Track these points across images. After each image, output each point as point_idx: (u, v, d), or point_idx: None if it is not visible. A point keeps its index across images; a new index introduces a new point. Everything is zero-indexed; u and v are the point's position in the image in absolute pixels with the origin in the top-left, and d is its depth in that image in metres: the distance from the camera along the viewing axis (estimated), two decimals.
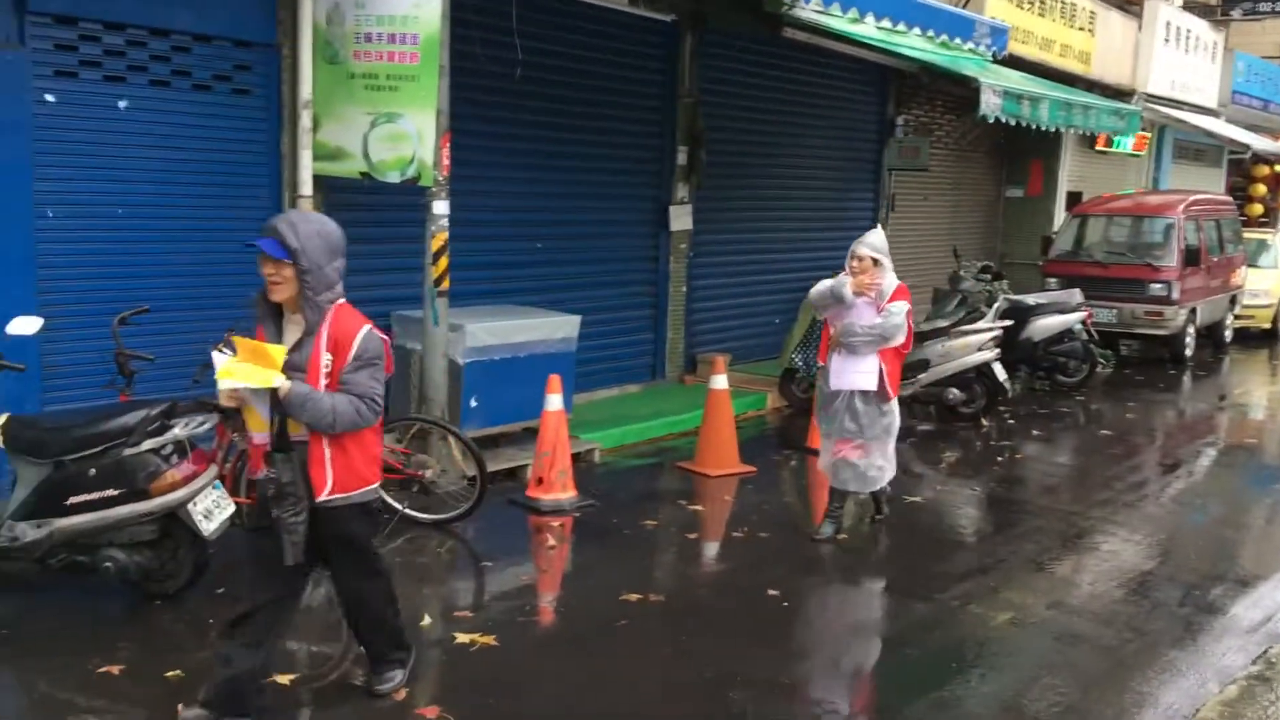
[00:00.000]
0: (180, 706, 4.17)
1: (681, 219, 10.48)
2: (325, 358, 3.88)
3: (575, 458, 7.44)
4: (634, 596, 5.66)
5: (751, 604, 5.72)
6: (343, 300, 4.01)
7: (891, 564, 6.55)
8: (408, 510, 6.56)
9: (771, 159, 11.87)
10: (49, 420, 5.36)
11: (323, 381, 3.87)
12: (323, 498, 3.95)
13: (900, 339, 6.44)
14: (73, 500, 5.02)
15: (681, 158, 10.39)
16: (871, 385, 6.45)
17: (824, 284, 6.54)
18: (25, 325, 5.45)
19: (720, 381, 8.16)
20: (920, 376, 10.03)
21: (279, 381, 3.80)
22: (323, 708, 4.46)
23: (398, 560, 6.11)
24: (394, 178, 7.02)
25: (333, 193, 7.49)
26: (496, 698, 4.56)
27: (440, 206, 7.00)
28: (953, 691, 4.81)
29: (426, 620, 5.28)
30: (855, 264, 6.40)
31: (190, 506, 5.13)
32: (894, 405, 6.60)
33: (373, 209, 7.80)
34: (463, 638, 5.05)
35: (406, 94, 6.88)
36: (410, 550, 6.29)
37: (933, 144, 14.15)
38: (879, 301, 6.39)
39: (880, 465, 6.66)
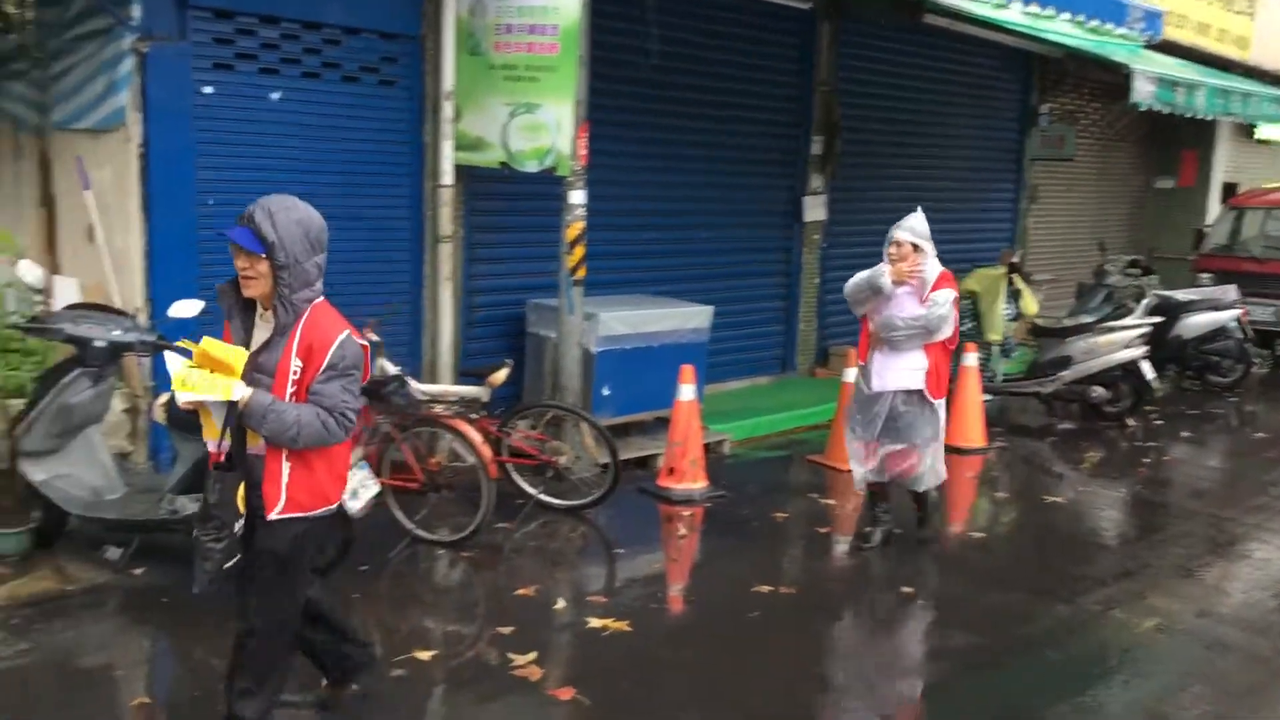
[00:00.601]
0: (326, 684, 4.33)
1: (815, 209, 10.37)
2: (295, 363, 3.45)
3: (705, 448, 7.44)
4: (765, 588, 5.64)
5: (885, 600, 5.64)
6: (321, 299, 3.58)
7: (1030, 564, 6.37)
8: (542, 496, 6.67)
9: (908, 148, 11.64)
10: None
11: (289, 390, 3.45)
12: (272, 515, 3.52)
13: (947, 331, 5.91)
14: None
15: (817, 147, 10.28)
16: (918, 384, 5.94)
17: (860, 275, 6.04)
18: (187, 308, 5.66)
19: (853, 374, 8.02)
20: (1063, 374, 9.73)
21: (239, 392, 3.39)
22: (459, 685, 4.57)
23: (531, 544, 6.22)
24: (532, 167, 7.12)
25: (472, 182, 7.64)
26: (629, 682, 4.60)
27: (577, 196, 7.07)
28: (1095, 697, 4.66)
29: (560, 604, 5.36)
30: (893, 250, 5.89)
31: None
32: (942, 406, 6.09)
33: (510, 198, 7.93)
34: (595, 622, 5.11)
35: (545, 84, 6.97)
36: (543, 535, 6.39)
37: (1078, 133, 13.67)
38: (921, 291, 5.87)
39: (930, 467, 6.19)
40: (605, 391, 7.61)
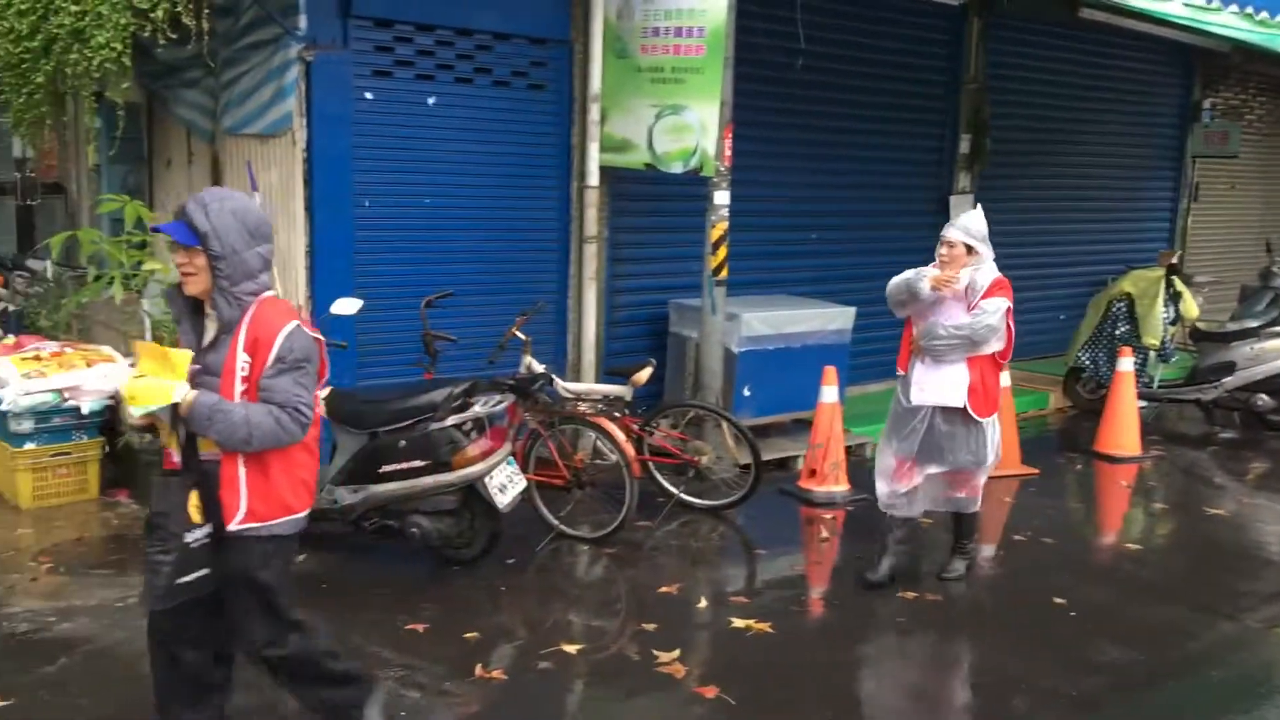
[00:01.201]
0: (479, 669, 4.46)
1: (963, 209, 10.12)
2: (242, 359, 3.27)
3: (847, 451, 7.38)
4: (909, 594, 5.57)
5: (1034, 610, 5.50)
6: (270, 293, 3.39)
7: (1190, 578, 6.12)
8: (682, 495, 6.72)
9: (1061, 146, 11.29)
10: (366, 394, 5.82)
11: (239, 388, 3.26)
12: (233, 525, 3.31)
13: (995, 344, 5.37)
14: (385, 469, 5.46)
15: (964, 146, 10.06)
16: (958, 400, 5.37)
17: (902, 275, 5.60)
18: (347, 306, 5.94)
19: (1003, 379, 7.84)
20: (1225, 380, 9.30)
21: (178, 394, 3.20)
22: (604, 679, 4.64)
23: (673, 543, 6.27)
24: (677, 169, 7.18)
25: (617, 183, 7.74)
26: (772, 683, 4.61)
27: (721, 197, 7.09)
28: (1261, 717, 4.46)
29: (702, 603, 5.40)
30: (944, 251, 5.42)
31: (487, 480, 5.46)
32: (988, 427, 5.51)
33: (654, 199, 8.00)
34: (738, 622, 5.13)
35: (691, 86, 7.02)
36: (684, 534, 6.43)
37: (1243, 129, 13.05)
38: (970, 298, 5.34)
39: (970, 494, 5.70)
40: (746, 392, 7.62)
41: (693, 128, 7.02)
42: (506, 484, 5.55)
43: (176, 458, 3.36)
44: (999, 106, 10.24)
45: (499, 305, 7.18)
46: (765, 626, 5.10)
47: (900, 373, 5.68)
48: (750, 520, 6.71)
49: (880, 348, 9.67)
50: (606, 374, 7.46)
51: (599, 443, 6.54)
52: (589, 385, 6.91)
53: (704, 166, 7.02)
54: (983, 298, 5.32)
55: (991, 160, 10.18)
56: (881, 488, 5.70)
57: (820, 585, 5.97)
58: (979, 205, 5.39)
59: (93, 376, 6.25)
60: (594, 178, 7.49)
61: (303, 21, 6.43)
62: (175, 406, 3.20)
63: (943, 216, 10.06)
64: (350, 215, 6.79)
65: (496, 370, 6.32)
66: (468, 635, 4.90)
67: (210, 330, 3.37)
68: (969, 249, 5.38)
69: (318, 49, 6.50)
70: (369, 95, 6.83)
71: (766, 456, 6.98)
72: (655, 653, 4.78)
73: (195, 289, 3.32)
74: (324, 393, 5.70)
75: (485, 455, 5.45)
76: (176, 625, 3.48)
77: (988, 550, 6.45)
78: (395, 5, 6.79)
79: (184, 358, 3.26)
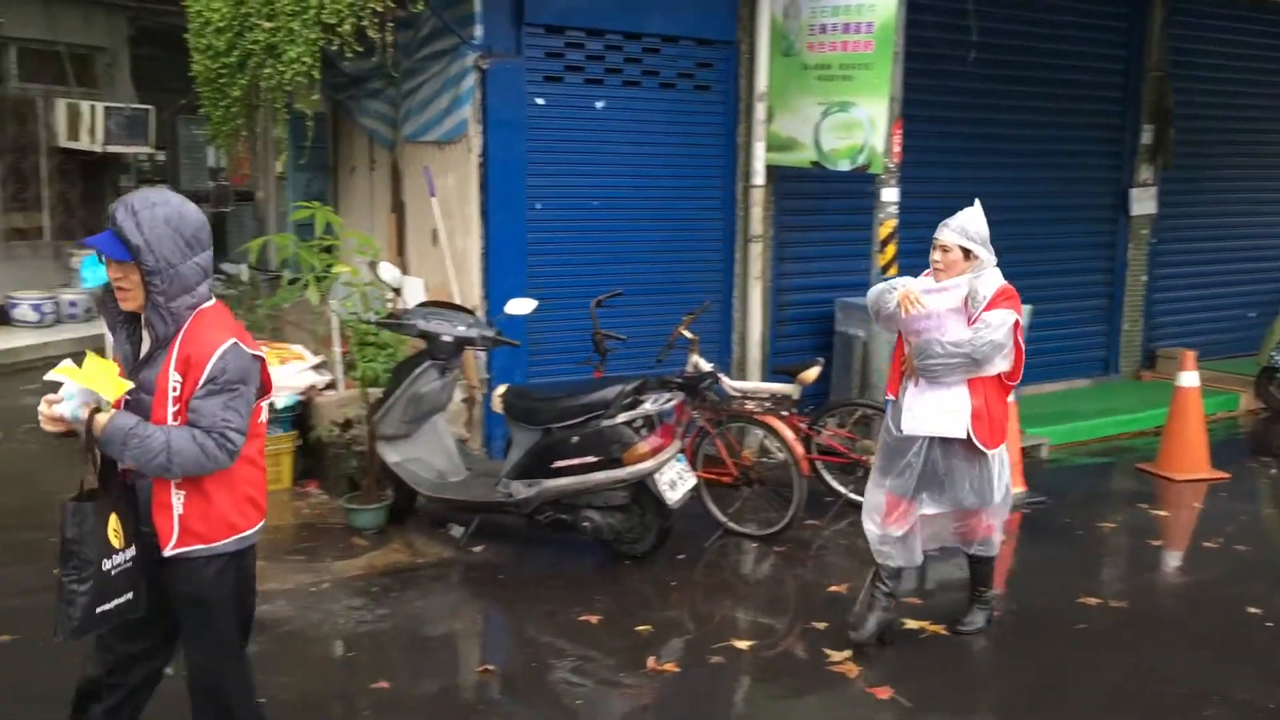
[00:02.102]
0: (652, 661, 4.53)
1: (1144, 202, 9.74)
2: (174, 379, 2.98)
3: (1022, 452, 7.17)
4: (1092, 600, 5.39)
5: (1227, 620, 5.25)
6: (211, 303, 3.09)
7: None
8: (851, 494, 6.65)
9: (1250, 135, 10.70)
10: (539, 391, 5.98)
11: (171, 409, 2.98)
12: (168, 551, 3.05)
13: (1000, 364, 4.55)
14: (558, 464, 5.59)
15: (1146, 137, 9.64)
16: (959, 430, 4.57)
17: (878, 285, 4.89)
18: (521, 306, 6.11)
19: (1190, 378, 7.52)
20: None
21: (73, 408, 2.92)
22: (775, 675, 4.65)
23: (841, 542, 6.22)
24: (844, 166, 7.12)
25: (783, 182, 7.73)
26: (948, 687, 4.53)
27: (890, 194, 7.00)
28: None
29: None
30: (937, 257, 4.62)
31: (657, 476, 5.53)
32: (995, 461, 4.68)
33: (819, 197, 7.96)
34: (912, 624, 5.06)
35: (859, 82, 6.95)
36: (853, 533, 6.34)
37: None
38: (971, 310, 4.53)
39: (985, 535, 4.90)
40: None
41: (861, 124, 6.95)
42: (676, 480, 5.61)
43: (92, 479, 3.01)
44: (1183, 94, 9.77)
45: (665, 304, 7.26)
46: (940, 629, 5.01)
47: (890, 397, 4.84)
48: None
49: (1056, 346, 9.43)
50: (773, 373, 7.46)
51: (766, 441, 6.53)
52: (756, 384, 6.92)
53: (872, 164, 6.94)
54: (985, 309, 4.50)
55: (1176, 151, 9.73)
56: (871, 529, 4.83)
57: (997, 588, 5.81)
58: (977, 201, 4.72)
59: (286, 374, 6.60)
60: (759, 177, 7.50)
61: (478, 31, 6.66)
62: (90, 426, 2.91)
63: (1122, 211, 9.71)
64: (523, 218, 6.98)
65: (664, 369, 6.40)
66: (640, 628, 4.97)
67: (146, 344, 3.06)
68: (967, 253, 4.58)
69: (492, 57, 6.71)
70: (540, 100, 7.00)
71: None
72: (826, 652, 4.76)
73: (131, 305, 3.02)
74: (501, 389, 5.94)
75: (656, 452, 5.53)
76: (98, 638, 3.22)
77: (1176, 558, 6.18)
78: (566, 12, 6.95)
79: (104, 369, 2.94)
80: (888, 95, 6.82)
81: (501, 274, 6.89)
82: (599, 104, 7.21)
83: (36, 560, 5.45)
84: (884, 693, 4.39)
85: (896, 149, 6.93)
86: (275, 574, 5.44)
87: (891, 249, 7.06)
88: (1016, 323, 4.53)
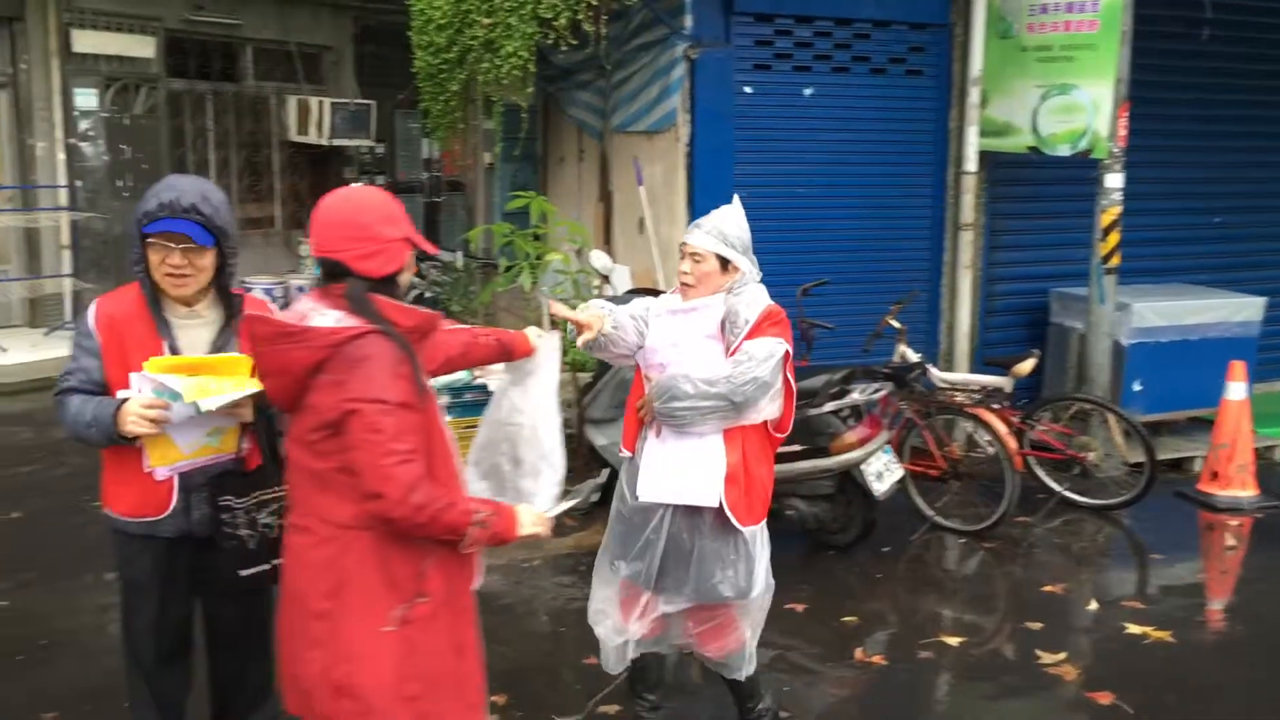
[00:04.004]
0: (859, 653, 4.50)
1: None
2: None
3: (1255, 453, 6.74)
4: None
5: None
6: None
7: None
8: (1066, 492, 6.42)
9: None
10: None
11: None
12: None
13: (767, 408, 3.48)
14: None
15: None
16: (708, 499, 3.47)
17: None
18: None
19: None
20: None
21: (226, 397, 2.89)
22: (986, 674, 4.54)
23: (1055, 541, 6.01)
24: (1064, 151, 6.85)
25: (996, 168, 7.49)
26: (1173, 695, 4.32)
27: (1113, 179, 6.69)
28: None
29: (1091, 605, 5.15)
30: (687, 268, 3.58)
31: (864, 466, 5.48)
32: (755, 541, 3.58)
33: (1035, 184, 7.68)
34: (1134, 629, 4.85)
35: (1083, 64, 6.66)
36: (1068, 532, 6.14)
37: None
38: (730, 337, 3.49)
39: (749, 641, 3.73)
40: (1136, 387, 7.14)
41: (1083, 107, 6.66)
42: (883, 471, 5.54)
43: (166, 473, 2.99)
44: None
45: (870, 293, 7.16)
46: (1165, 635, 4.79)
47: (626, 454, 3.68)
48: (1141, 522, 6.30)
49: None
50: (983, 364, 7.25)
51: (976, 434, 6.37)
52: (966, 375, 6.75)
53: (1095, 148, 6.64)
54: (747, 337, 3.47)
55: None
56: (606, 635, 3.71)
57: (1225, 596, 5.53)
58: (736, 198, 3.77)
59: None
60: (972, 163, 7.29)
61: (689, 21, 6.72)
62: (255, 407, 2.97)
63: None
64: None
65: (869, 359, 6.32)
66: (845, 619, 4.95)
67: (204, 331, 3.06)
68: (724, 263, 3.53)
69: (702, 47, 6.76)
70: (748, 89, 7.01)
71: (1161, 456, 6.52)
72: (1039, 653, 4.62)
73: (194, 288, 3.01)
74: None
75: (863, 442, 5.47)
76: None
77: None
78: (777, 0, 6.94)
79: (243, 360, 2.95)
80: (1113, 77, 6.51)
81: None
82: (807, 91, 7.16)
83: None
84: (1105, 698, 4.23)
85: (1122, 133, 6.62)
86: (490, 551, 5.64)
87: (1114, 238, 6.76)
88: (787, 354, 3.49)
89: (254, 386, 2.86)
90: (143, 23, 11.35)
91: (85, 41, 10.80)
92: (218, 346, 3.04)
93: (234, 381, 2.92)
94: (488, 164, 10.88)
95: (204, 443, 3.00)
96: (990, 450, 6.11)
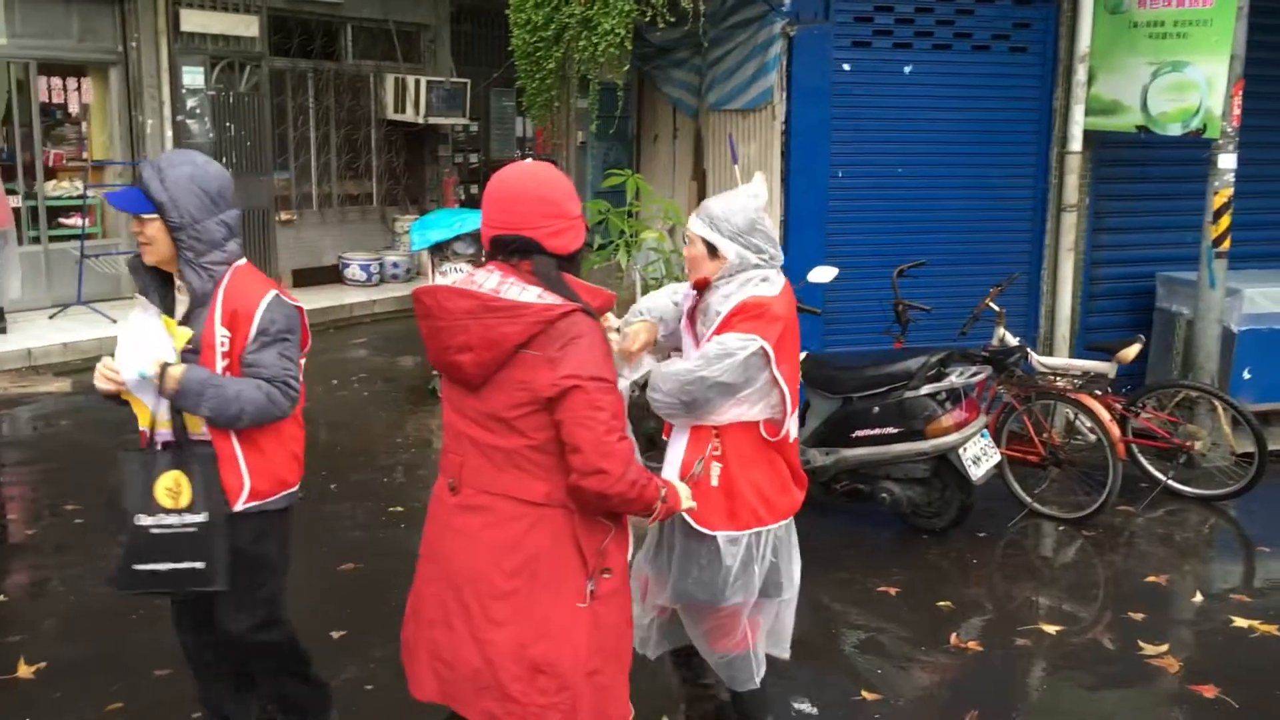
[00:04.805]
0: (954, 638, 4.45)
1: None
2: (221, 333, 3.03)
3: None
4: None
5: None
6: (242, 262, 3.15)
7: None
8: (1170, 481, 6.25)
9: None
10: (840, 360, 5.95)
11: (220, 363, 3.03)
12: (238, 505, 3.08)
13: (734, 410, 3.28)
14: (857, 433, 5.56)
15: None
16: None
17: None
18: (823, 274, 6.08)
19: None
20: None
21: (169, 358, 2.98)
22: (1085, 663, 4.44)
23: (1158, 531, 5.87)
24: (1175, 130, 6.63)
25: (1102, 148, 7.29)
26: None
27: (1226, 160, 6.47)
28: None
29: (1196, 597, 5.02)
30: (685, 252, 3.48)
31: (960, 451, 5.40)
32: (724, 548, 3.36)
33: (1142, 164, 7.46)
34: (1239, 622, 4.72)
35: (1196, 40, 6.44)
36: (1171, 522, 5.99)
37: None
38: (700, 329, 3.39)
39: (724, 649, 3.60)
40: (1246, 375, 6.91)
41: (1196, 85, 6.44)
42: (980, 456, 5.46)
43: (164, 436, 3.10)
44: None
45: (968, 275, 7.03)
46: (1272, 629, 4.65)
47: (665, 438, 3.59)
48: (1250, 514, 6.11)
49: None
50: (1085, 349, 7.09)
51: (1077, 421, 6.23)
52: (1067, 360, 6.61)
53: (1208, 128, 6.42)
54: (716, 331, 3.30)
55: None
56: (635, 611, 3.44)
57: None
58: (758, 175, 3.59)
59: None
60: (1076, 142, 7.10)
61: None
62: (161, 381, 2.97)
63: None
64: (824, 185, 6.94)
65: (967, 342, 6.22)
66: (940, 604, 4.90)
67: (182, 305, 3.13)
68: (711, 250, 3.34)
69: (800, 23, 6.68)
70: (846, 66, 6.92)
71: (1271, 446, 6.31)
72: (1141, 644, 4.52)
73: (152, 258, 3.06)
74: (800, 357, 5.95)
75: (960, 426, 5.40)
76: (174, 610, 3.37)
77: None
78: None
79: (183, 335, 3.03)
80: (1229, 54, 6.28)
81: (800, 241, 6.88)
82: (907, 69, 7.04)
83: (372, 497, 5.99)
84: (1209, 691, 4.13)
85: (1236, 112, 6.39)
86: None
87: (1225, 220, 6.54)
88: (762, 349, 3.22)
89: (153, 368, 2.95)
90: (247, 2, 11.61)
91: (192, 21, 11.10)
92: (184, 324, 3.06)
93: (157, 348, 2.98)
94: (580, 142, 10.93)
95: (166, 416, 3.07)
96: (1091, 437, 5.98)
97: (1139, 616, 4.78)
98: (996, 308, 6.28)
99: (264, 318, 3.04)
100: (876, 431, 5.52)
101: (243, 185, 11.77)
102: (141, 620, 4.54)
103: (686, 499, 2.91)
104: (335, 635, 4.24)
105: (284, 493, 3.19)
